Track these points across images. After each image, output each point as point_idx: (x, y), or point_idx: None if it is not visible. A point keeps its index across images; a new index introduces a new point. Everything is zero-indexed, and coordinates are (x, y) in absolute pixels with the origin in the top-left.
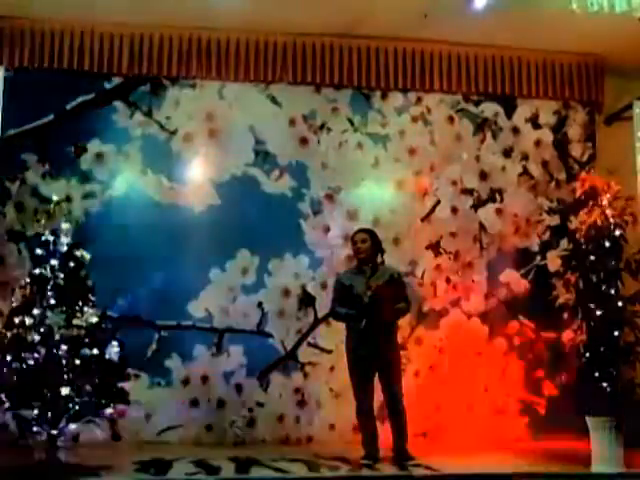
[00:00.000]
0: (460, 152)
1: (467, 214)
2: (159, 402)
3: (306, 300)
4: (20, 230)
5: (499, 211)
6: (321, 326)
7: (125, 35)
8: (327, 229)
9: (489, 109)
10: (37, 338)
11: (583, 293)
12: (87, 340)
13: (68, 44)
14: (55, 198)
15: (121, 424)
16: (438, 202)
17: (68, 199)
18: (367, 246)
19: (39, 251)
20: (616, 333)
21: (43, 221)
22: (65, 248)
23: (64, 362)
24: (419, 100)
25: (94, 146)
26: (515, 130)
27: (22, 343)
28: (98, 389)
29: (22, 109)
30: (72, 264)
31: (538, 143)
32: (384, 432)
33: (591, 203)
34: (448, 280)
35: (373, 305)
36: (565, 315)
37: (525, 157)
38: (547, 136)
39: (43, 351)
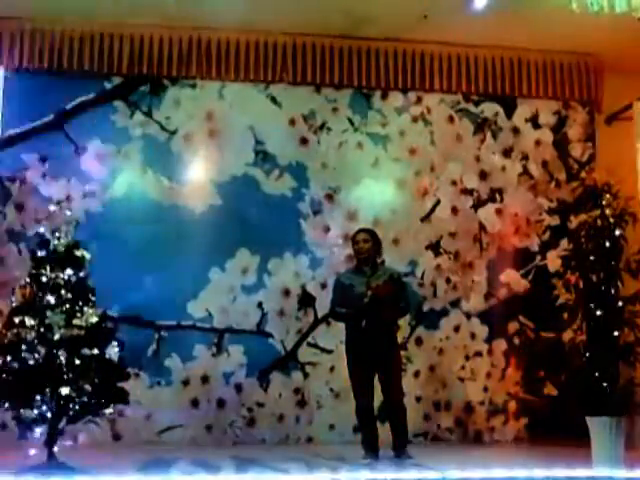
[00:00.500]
0: (460, 152)
1: (467, 214)
2: (159, 402)
3: (306, 300)
4: (20, 230)
5: (499, 211)
6: (321, 326)
7: (125, 35)
8: (327, 229)
9: (489, 109)
10: (37, 338)
11: (583, 293)
12: (87, 340)
13: (68, 44)
14: (55, 198)
15: (121, 424)
16: (438, 202)
17: (68, 199)
18: (369, 246)
19: (39, 251)
20: (616, 333)
21: (43, 221)
22: (65, 248)
23: (64, 362)
24: (419, 100)
25: (94, 146)
26: (515, 130)
27: (22, 343)
28: (98, 389)
29: (22, 109)
30: (72, 264)
31: (538, 143)
32: (384, 432)
33: (591, 203)
34: (448, 280)
35: (373, 305)
36: (565, 315)
37: (525, 157)
38: (547, 136)
39: (43, 351)
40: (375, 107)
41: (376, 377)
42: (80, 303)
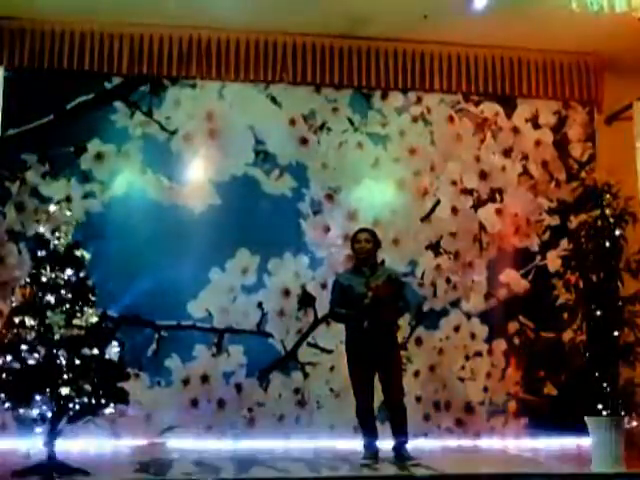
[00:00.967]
0: (460, 152)
1: (467, 214)
2: (159, 402)
3: (306, 300)
4: (20, 230)
5: (499, 211)
6: (321, 326)
7: (125, 35)
8: (327, 229)
9: (489, 109)
10: (37, 338)
11: (583, 293)
12: (87, 340)
13: (68, 44)
14: (55, 198)
15: (121, 424)
16: (438, 202)
17: (68, 199)
18: (370, 246)
19: (39, 251)
20: (616, 333)
21: (43, 221)
22: (65, 248)
23: (64, 362)
24: (419, 100)
25: (94, 146)
26: (515, 130)
27: (22, 343)
28: (98, 389)
29: (22, 109)
30: (72, 264)
31: (538, 143)
32: (384, 432)
33: (591, 203)
34: (448, 280)
35: (373, 305)
36: (565, 315)
37: (525, 157)
38: (547, 136)
39: (43, 351)
40: (375, 107)
41: (376, 377)
42: (80, 303)
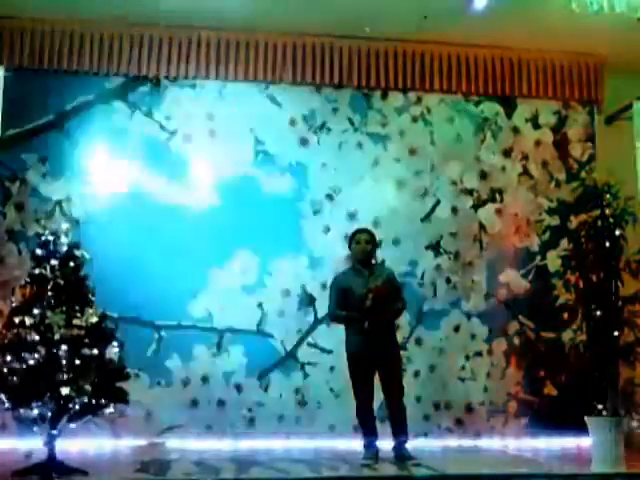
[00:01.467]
0: (460, 152)
1: (467, 214)
2: (159, 402)
3: (306, 300)
4: (20, 230)
5: (499, 211)
6: (321, 326)
7: (125, 35)
8: (327, 229)
9: (489, 109)
10: (37, 338)
11: (583, 293)
12: (87, 340)
13: (68, 44)
14: (55, 198)
15: (121, 424)
16: (438, 202)
17: (68, 199)
18: (370, 247)
19: (39, 251)
20: (616, 333)
21: (43, 221)
22: (65, 248)
23: (64, 362)
24: (419, 100)
25: (94, 146)
26: (515, 130)
27: (22, 343)
28: (98, 389)
29: (22, 109)
30: (72, 264)
31: (538, 143)
32: (384, 432)
33: (591, 203)
34: (448, 280)
35: (373, 306)
36: (565, 315)
37: (525, 157)
38: (547, 136)
39: (43, 351)
40: (375, 107)
41: (376, 377)
42: (80, 303)
